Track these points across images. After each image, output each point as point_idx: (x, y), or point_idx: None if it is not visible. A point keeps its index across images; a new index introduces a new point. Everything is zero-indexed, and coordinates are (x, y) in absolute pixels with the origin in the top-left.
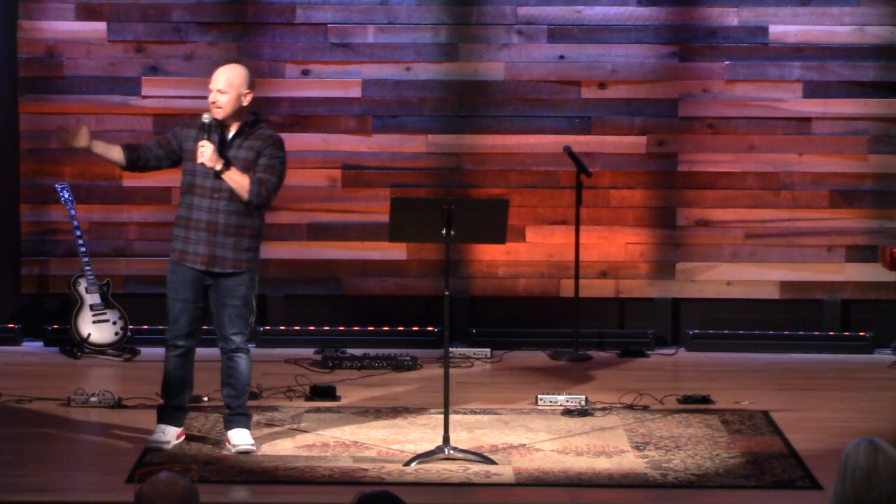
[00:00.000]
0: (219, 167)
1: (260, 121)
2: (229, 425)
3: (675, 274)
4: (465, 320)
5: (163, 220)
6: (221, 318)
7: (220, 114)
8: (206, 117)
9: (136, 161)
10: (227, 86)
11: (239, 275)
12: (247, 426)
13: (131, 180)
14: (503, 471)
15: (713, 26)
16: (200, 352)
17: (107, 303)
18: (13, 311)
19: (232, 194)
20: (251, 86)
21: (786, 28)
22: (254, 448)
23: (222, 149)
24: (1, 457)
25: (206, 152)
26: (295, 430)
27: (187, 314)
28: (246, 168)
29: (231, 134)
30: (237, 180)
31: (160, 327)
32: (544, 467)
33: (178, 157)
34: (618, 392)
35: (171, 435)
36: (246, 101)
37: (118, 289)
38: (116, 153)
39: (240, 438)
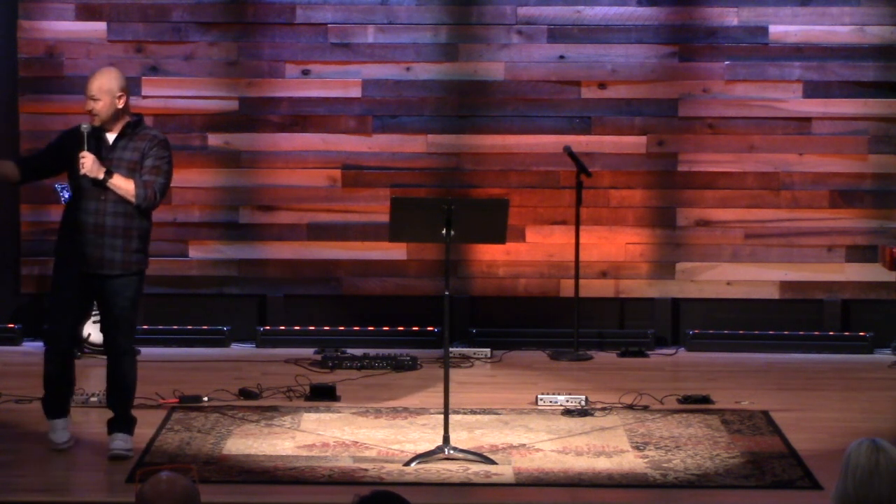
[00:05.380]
0: (101, 176)
1: (143, 121)
2: (112, 429)
3: (675, 274)
4: (465, 320)
5: (163, 221)
6: (108, 321)
7: (97, 121)
8: (84, 127)
9: (30, 173)
10: (98, 92)
11: (128, 276)
12: (130, 432)
13: None
14: (503, 471)
15: (713, 26)
16: (198, 352)
17: None
18: (13, 311)
19: (119, 196)
20: (124, 88)
21: (786, 28)
22: (130, 454)
23: (106, 152)
24: (1, 457)
25: (86, 164)
26: (295, 430)
27: (72, 314)
28: (131, 169)
29: (114, 137)
30: (122, 186)
31: (160, 327)
32: (544, 467)
33: (67, 163)
34: (618, 392)
35: (65, 424)
36: (121, 103)
37: None
38: (10, 169)
39: (119, 443)
